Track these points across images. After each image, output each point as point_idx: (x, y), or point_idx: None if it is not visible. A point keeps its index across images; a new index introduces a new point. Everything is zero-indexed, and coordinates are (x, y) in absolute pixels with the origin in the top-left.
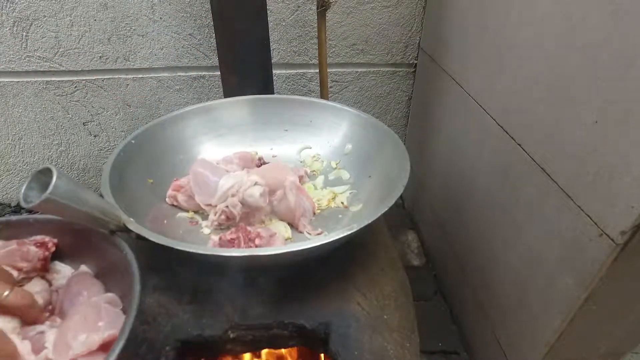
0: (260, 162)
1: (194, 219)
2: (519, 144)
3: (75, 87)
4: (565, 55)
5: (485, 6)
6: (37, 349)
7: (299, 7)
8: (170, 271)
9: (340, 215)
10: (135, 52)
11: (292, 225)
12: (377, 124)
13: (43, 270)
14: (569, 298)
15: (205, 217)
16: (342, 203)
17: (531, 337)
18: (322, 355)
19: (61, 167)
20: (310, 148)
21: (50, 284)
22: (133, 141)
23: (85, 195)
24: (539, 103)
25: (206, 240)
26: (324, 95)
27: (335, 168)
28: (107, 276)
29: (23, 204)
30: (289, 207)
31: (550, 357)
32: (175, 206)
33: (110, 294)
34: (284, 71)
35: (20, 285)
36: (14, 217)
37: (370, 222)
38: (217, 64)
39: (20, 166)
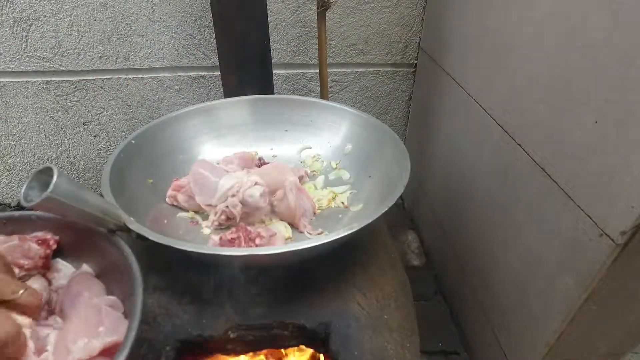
0: (261, 163)
1: (194, 219)
2: (519, 144)
3: (75, 87)
4: (565, 55)
5: (485, 6)
6: (40, 349)
7: (299, 7)
8: (171, 271)
9: (340, 215)
10: (135, 52)
11: (293, 225)
12: (377, 124)
13: (44, 268)
14: (569, 298)
15: (205, 217)
16: (342, 203)
17: (531, 337)
18: (322, 355)
19: (61, 167)
20: (311, 148)
21: (50, 283)
22: (133, 141)
23: (86, 195)
24: (539, 103)
25: (206, 240)
26: (324, 95)
27: (336, 168)
28: (108, 276)
29: (24, 203)
30: (289, 207)
31: (550, 357)
32: (176, 206)
33: (111, 297)
34: (284, 71)
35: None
36: (16, 213)
37: (370, 221)
38: (217, 64)
39: (20, 166)
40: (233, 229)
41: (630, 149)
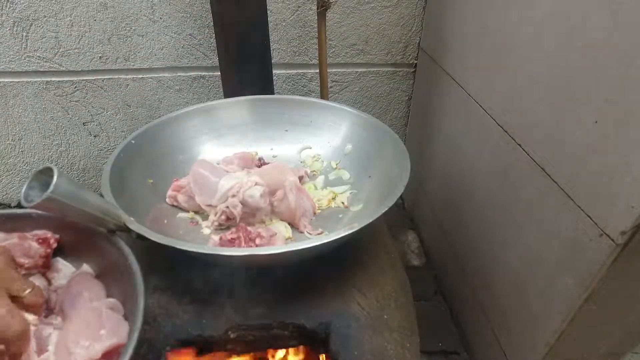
0: (261, 163)
1: (194, 219)
2: (519, 144)
3: (75, 87)
4: (565, 55)
5: (485, 6)
6: (41, 349)
7: (299, 7)
8: (171, 271)
9: (340, 215)
10: (135, 53)
11: (293, 225)
12: (377, 124)
13: (44, 267)
14: (569, 298)
15: (205, 217)
16: (342, 203)
17: (531, 337)
18: (322, 355)
19: (61, 168)
20: (311, 148)
21: (49, 283)
22: (133, 141)
23: (86, 195)
24: (539, 103)
25: (206, 240)
26: (324, 95)
27: (336, 168)
28: (108, 276)
29: (24, 203)
30: (290, 207)
31: (550, 357)
32: (176, 206)
33: (112, 300)
34: (284, 71)
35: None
36: (17, 211)
37: (370, 221)
38: (217, 64)
39: (20, 166)
40: (233, 229)
41: (630, 149)
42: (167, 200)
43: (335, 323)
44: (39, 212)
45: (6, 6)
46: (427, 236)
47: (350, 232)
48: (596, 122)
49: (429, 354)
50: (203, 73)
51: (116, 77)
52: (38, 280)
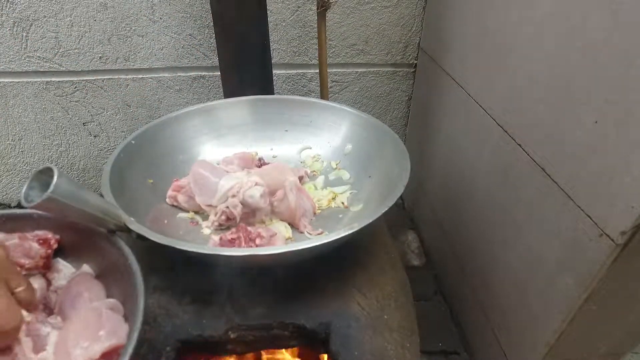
0: (261, 163)
1: (195, 220)
2: (519, 144)
3: (75, 87)
4: (565, 55)
5: (485, 6)
6: (38, 348)
7: (299, 7)
8: (171, 271)
9: (340, 215)
10: (135, 53)
11: (293, 226)
12: (377, 124)
13: (45, 268)
14: (569, 298)
15: (205, 217)
16: (342, 203)
17: (531, 337)
18: (322, 355)
19: (61, 168)
20: (311, 148)
21: (50, 284)
22: (133, 141)
23: (86, 195)
24: (539, 103)
25: (206, 241)
26: (324, 95)
27: (336, 168)
28: (108, 277)
29: (24, 204)
30: (290, 207)
31: (550, 357)
32: (176, 206)
33: (111, 300)
34: (284, 71)
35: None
36: (17, 211)
37: (370, 221)
38: (217, 64)
39: (20, 166)
40: (233, 230)
41: (630, 149)
42: (167, 200)
43: (336, 323)
44: (39, 212)
45: (6, 6)
46: (427, 236)
47: (350, 232)
48: (596, 122)
49: (429, 354)
50: (203, 73)
51: (116, 77)
52: (38, 281)
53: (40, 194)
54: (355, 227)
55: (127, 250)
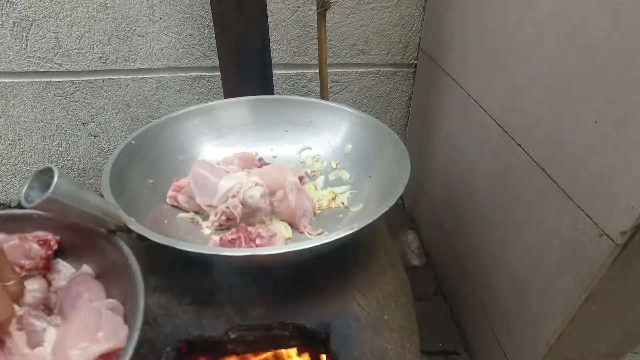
0: (261, 163)
1: (195, 220)
2: (519, 144)
3: (76, 87)
4: (565, 55)
5: (485, 6)
6: (34, 343)
7: (299, 7)
8: (171, 271)
9: (340, 216)
10: (135, 53)
11: (293, 226)
12: (377, 124)
13: (45, 269)
14: (569, 298)
15: (205, 217)
16: (342, 203)
17: (531, 337)
18: (322, 355)
19: (61, 168)
20: (311, 148)
21: (50, 284)
22: (133, 142)
23: (86, 195)
24: (539, 103)
25: (207, 241)
26: (324, 95)
27: (336, 168)
28: (108, 277)
29: (25, 204)
30: (290, 207)
31: (550, 357)
32: (176, 207)
33: (111, 300)
34: (284, 71)
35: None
36: (17, 211)
37: (370, 222)
38: (217, 65)
39: (20, 167)
40: (233, 230)
41: (630, 149)
42: (168, 200)
43: (336, 323)
44: (40, 212)
45: (6, 6)
46: (427, 236)
47: (350, 232)
48: (596, 122)
49: (429, 354)
50: (203, 73)
51: (116, 77)
52: (39, 282)
53: (41, 195)
54: (356, 227)
55: (127, 250)
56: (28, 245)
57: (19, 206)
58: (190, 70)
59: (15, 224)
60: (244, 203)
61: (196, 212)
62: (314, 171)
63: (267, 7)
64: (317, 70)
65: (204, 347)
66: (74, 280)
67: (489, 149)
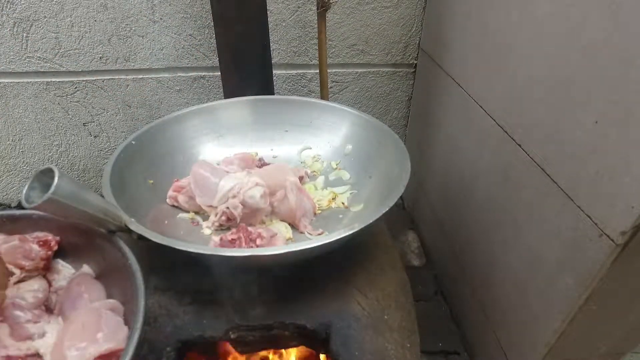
0: (261, 163)
1: (195, 220)
2: (519, 145)
3: (76, 87)
4: (565, 56)
5: (485, 6)
6: (19, 336)
7: (299, 7)
8: (171, 272)
9: (340, 216)
10: (135, 53)
11: (293, 226)
12: (377, 124)
13: (45, 269)
14: (569, 298)
15: (205, 217)
16: (342, 203)
17: (531, 337)
18: (323, 355)
19: (61, 168)
20: (311, 149)
21: (50, 285)
22: (133, 142)
23: (87, 196)
24: (539, 103)
25: (207, 241)
26: (324, 95)
27: (336, 168)
28: (108, 278)
29: (25, 205)
30: (290, 207)
31: (550, 357)
32: (176, 207)
33: (112, 300)
34: (284, 72)
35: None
36: (17, 212)
37: (371, 222)
38: (218, 65)
39: (20, 167)
40: (234, 230)
41: (630, 149)
42: (168, 200)
43: (336, 323)
44: (40, 213)
45: (6, 7)
46: (427, 236)
47: (350, 232)
48: (596, 122)
49: (429, 354)
50: (203, 73)
51: (116, 77)
52: (39, 282)
53: (41, 195)
54: (356, 227)
55: (127, 250)
56: (28, 246)
57: (19, 206)
58: (191, 70)
59: (15, 224)
60: (244, 203)
61: (196, 213)
62: (314, 171)
63: (267, 7)
64: (317, 70)
65: (204, 347)
66: (74, 280)
67: (489, 149)
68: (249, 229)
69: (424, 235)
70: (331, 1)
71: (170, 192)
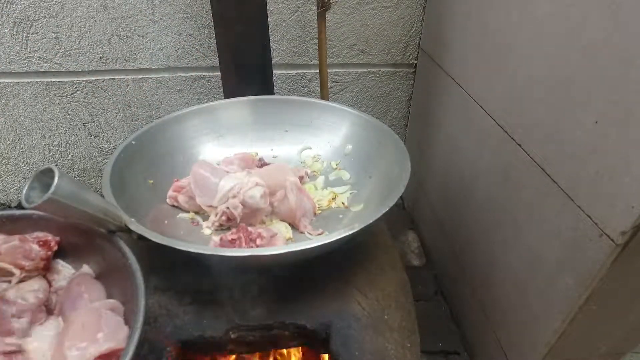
0: (261, 163)
1: (195, 220)
2: (519, 144)
3: (76, 87)
4: (565, 55)
5: (485, 6)
6: (4, 331)
7: (299, 7)
8: (171, 272)
9: (340, 216)
10: (135, 53)
11: (293, 226)
12: (377, 124)
13: (45, 269)
14: (569, 298)
15: (206, 217)
16: (342, 203)
17: (531, 337)
18: (323, 355)
19: (61, 168)
20: (311, 149)
21: (50, 285)
22: (133, 142)
23: (87, 196)
24: (539, 103)
25: (207, 241)
26: (324, 95)
27: (336, 168)
28: (108, 278)
29: (25, 205)
30: (290, 207)
31: (550, 357)
32: (176, 207)
33: (112, 300)
34: (284, 72)
35: (22, 281)
36: (17, 212)
37: (371, 222)
38: (218, 65)
39: (20, 167)
40: (234, 230)
41: (630, 149)
42: (168, 200)
43: (336, 323)
44: (40, 213)
45: (6, 7)
46: (427, 236)
47: (351, 232)
48: (596, 122)
49: (429, 354)
50: (203, 73)
51: (116, 77)
52: (39, 283)
53: (41, 195)
54: (356, 227)
55: (127, 250)
56: (28, 246)
57: (19, 206)
58: (191, 70)
59: (15, 224)
60: (244, 203)
61: (196, 213)
62: (314, 171)
63: (267, 7)
64: (317, 71)
65: (204, 347)
66: (74, 280)
67: (489, 149)
68: (249, 229)
69: (424, 235)
70: (331, 1)
71: (170, 192)
